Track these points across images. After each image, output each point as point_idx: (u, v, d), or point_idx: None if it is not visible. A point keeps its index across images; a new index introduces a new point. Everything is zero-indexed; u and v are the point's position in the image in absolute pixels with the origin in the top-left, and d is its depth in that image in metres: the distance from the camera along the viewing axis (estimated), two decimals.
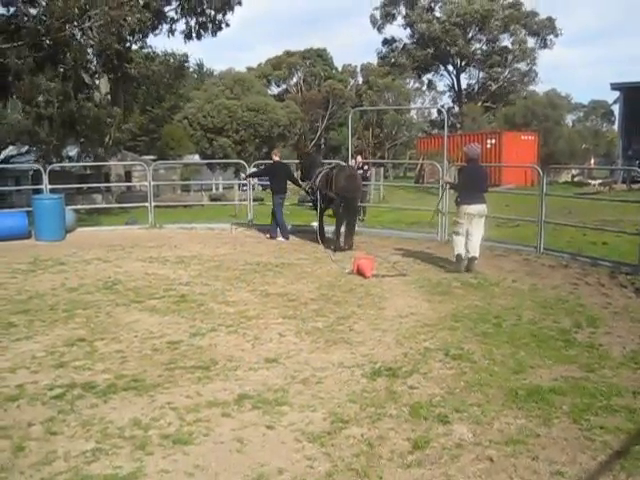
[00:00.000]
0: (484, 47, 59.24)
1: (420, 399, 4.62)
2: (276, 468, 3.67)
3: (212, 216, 18.51)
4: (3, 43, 19.65)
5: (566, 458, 3.77)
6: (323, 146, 57.47)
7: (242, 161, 19.27)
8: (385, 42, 62.48)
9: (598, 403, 4.53)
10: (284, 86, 59.87)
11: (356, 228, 12.25)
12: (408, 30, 59.78)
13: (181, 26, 30.63)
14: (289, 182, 13.66)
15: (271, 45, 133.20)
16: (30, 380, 5.02)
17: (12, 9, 21.28)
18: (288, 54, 58.58)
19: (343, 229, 11.75)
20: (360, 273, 9.15)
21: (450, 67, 61.82)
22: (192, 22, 30.58)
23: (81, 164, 30.54)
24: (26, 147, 31.36)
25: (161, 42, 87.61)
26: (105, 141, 28.38)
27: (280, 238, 12.97)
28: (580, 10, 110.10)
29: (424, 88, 63.75)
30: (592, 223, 13.47)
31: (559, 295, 7.94)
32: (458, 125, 54.73)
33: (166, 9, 29.26)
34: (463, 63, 60.67)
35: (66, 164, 28.58)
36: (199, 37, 31.10)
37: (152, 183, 15.67)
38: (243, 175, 15.74)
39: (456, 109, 61.54)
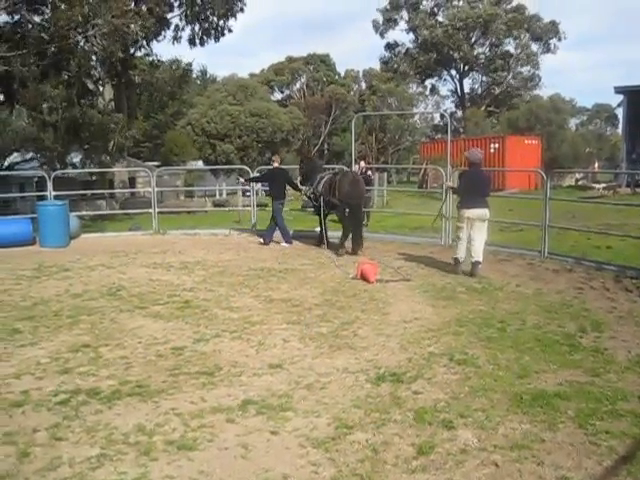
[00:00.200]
0: (487, 51, 59.26)
1: (424, 404, 4.62)
2: (281, 474, 3.66)
3: (216, 222, 18.54)
4: (8, 51, 19.72)
5: (572, 463, 3.75)
6: (326, 151, 57.47)
7: (245, 167, 19.29)
8: (388, 46, 62.56)
9: (603, 408, 4.51)
10: (287, 92, 59.96)
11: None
12: (411, 35, 59.96)
13: (185, 33, 30.84)
14: (289, 187, 13.71)
15: (273, 51, 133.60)
16: (35, 386, 5.03)
17: (16, 16, 21.36)
18: (290, 60, 58.69)
19: (350, 235, 11.79)
20: (364, 278, 9.14)
21: (453, 72, 61.84)
22: (196, 28, 30.75)
23: (85, 170, 30.62)
24: (30, 154, 31.43)
25: (164, 48, 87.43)
26: (109, 148, 28.44)
27: (284, 244, 12.99)
28: (583, 13, 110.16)
29: (427, 92, 63.87)
30: (596, 227, 13.46)
31: (564, 299, 7.92)
32: (461, 130, 54.71)
33: (169, 16, 29.39)
34: (466, 67, 60.66)
35: (70, 170, 28.64)
36: (202, 43, 31.25)
37: (156, 189, 15.71)
38: (242, 180, 15.74)
39: (459, 114, 61.57)
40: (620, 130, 40.59)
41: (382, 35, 61.55)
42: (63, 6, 19.89)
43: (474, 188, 9.47)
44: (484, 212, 9.45)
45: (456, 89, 63.02)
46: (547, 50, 58.07)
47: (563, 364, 5.45)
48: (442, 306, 7.65)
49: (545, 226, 10.76)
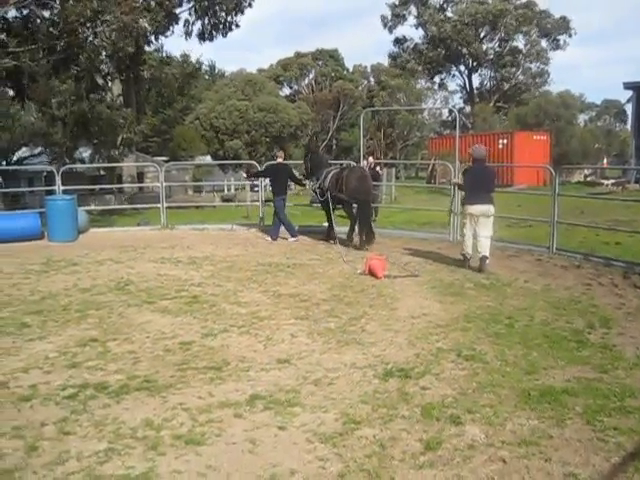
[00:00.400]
0: (496, 47, 59.00)
1: (432, 400, 4.61)
2: (288, 469, 3.67)
3: (224, 217, 18.55)
4: (17, 46, 19.77)
5: (579, 460, 3.74)
6: (335, 147, 57.43)
7: (254, 162, 19.29)
8: (396, 41, 62.45)
9: (611, 404, 4.50)
10: (295, 87, 59.90)
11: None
12: (420, 30, 59.78)
13: (196, 27, 30.96)
14: (291, 182, 13.74)
15: (281, 47, 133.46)
16: (43, 380, 5.05)
17: (25, 11, 21.41)
18: (299, 55, 58.62)
19: (358, 229, 11.80)
20: (372, 274, 9.13)
21: (462, 67, 61.63)
22: (205, 22, 30.81)
23: (94, 165, 30.71)
24: (39, 148, 31.59)
25: (172, 44, 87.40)
26: (117, 142, 28.54)
27: (290, 239, 12.98)
28: (593, 9, 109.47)
29: (436, 87, 63.69)
30: (605, 223, 13.39)
31: (572, 296, 7.89)
32: (469, 125, 54.58)
33: (177, 11, 29.45)
34: (475, 63, 60.41)
35: (79, 165, 28.75)
36: (211, 38, 31.33)
37: (164, 184, 15.71)
38: (244, 174, 15.75)
39: (467, 109, 61.37)
40: (629, 126, 40.47)
41: (390, 30, 61.58)
42: (72, 1, 19.91)
43: (478, 184, 9.46)
44: (487, 208, 9.42)
45: (465, 85, 62.89)
46: (557, 47, 57.82)
47: (571, 360, 5.43)
48: (450, 302, 7.63)
49: (554, 222, 10.71)
